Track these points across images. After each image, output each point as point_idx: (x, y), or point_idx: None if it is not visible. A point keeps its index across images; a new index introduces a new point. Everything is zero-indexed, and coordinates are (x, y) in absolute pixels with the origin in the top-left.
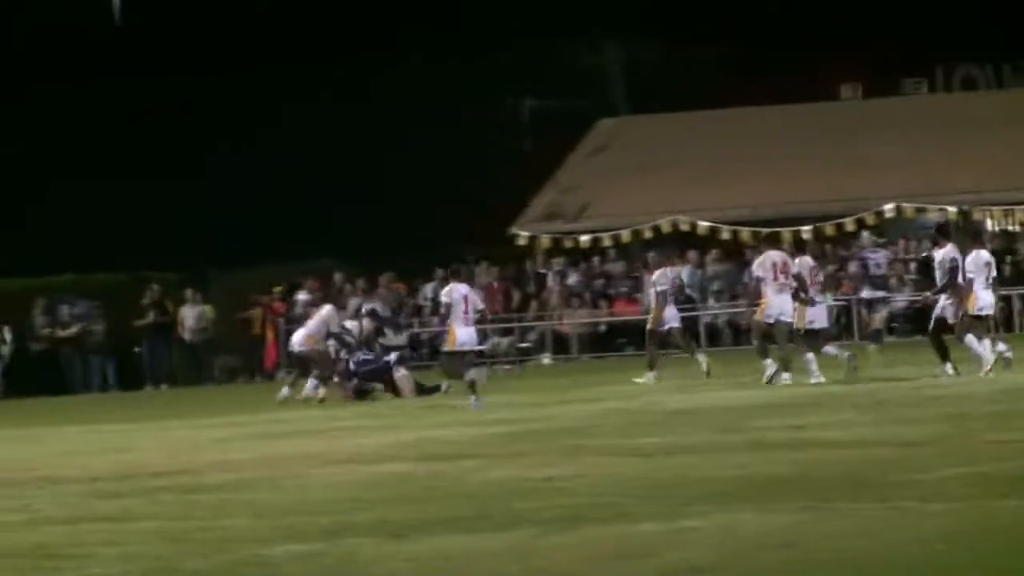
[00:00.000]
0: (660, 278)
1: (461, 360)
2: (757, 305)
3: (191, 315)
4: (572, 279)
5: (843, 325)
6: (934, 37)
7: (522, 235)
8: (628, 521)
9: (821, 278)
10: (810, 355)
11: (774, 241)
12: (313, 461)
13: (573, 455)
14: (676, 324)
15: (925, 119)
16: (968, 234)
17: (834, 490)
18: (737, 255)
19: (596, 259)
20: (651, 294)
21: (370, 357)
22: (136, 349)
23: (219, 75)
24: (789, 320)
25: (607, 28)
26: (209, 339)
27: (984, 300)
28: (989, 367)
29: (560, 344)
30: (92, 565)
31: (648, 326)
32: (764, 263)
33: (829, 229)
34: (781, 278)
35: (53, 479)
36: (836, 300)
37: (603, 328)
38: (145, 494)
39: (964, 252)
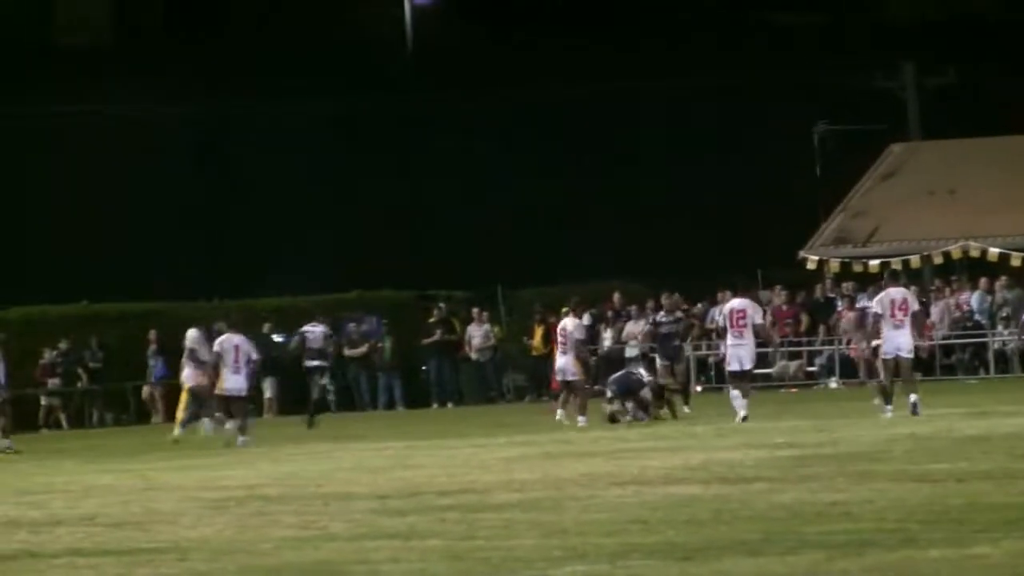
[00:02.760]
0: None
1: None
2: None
3: (478, 334)
4: (861, 303)
5: None
6: None
7: (811, 259)
8: (915, 547)
9: None
10: None
11: None
12: (599, 482)
13: (860, 480)
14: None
15: None
16: None
17: None
18: None
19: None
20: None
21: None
22: (423, 367)
23: (501, 94)
24: None
25: (903, 53)
26: (496, 358)
27: None
28: None
29: (848, 369)
30: None
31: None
32: None
33: None
34: None
35: (340, 496)
36: None
37: None
38: (430, 512)
39: None
